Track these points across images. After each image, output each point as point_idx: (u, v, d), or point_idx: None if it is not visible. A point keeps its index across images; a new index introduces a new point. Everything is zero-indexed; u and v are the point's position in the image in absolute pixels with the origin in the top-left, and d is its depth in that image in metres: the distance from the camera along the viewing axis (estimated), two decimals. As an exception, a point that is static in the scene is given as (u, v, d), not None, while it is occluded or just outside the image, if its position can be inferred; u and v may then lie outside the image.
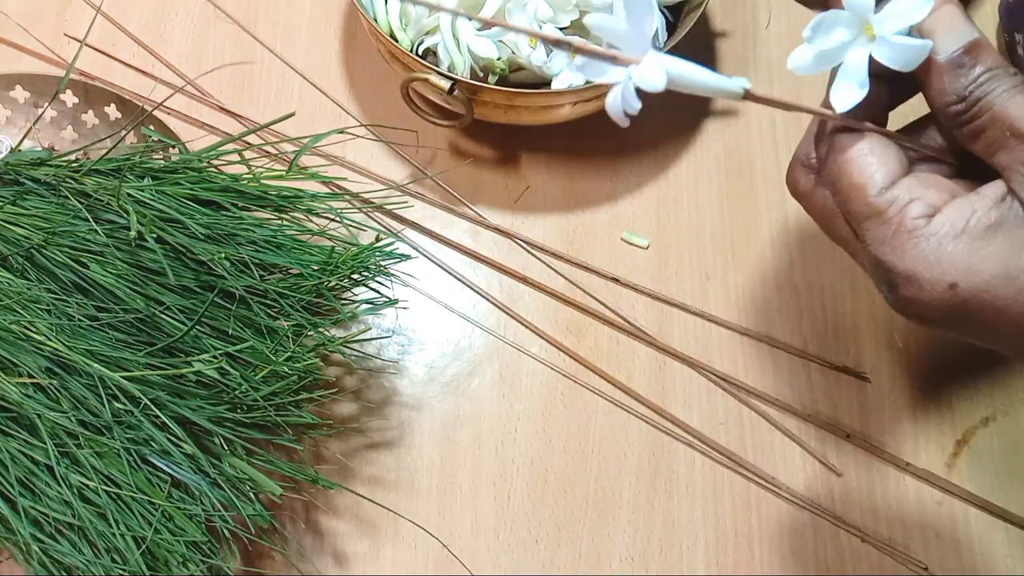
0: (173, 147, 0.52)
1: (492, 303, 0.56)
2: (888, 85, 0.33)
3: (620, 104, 0.30)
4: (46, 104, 0.55)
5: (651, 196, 0.59)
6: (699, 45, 0.65)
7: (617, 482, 0.51)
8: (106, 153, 0.47)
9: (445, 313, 0.55)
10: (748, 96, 0.31)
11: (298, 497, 0.48)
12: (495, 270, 0.57)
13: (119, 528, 0.39)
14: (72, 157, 0.48)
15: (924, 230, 0.30)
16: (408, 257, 0.50)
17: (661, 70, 0.29)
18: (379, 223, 0.57)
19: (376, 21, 0.55)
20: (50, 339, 0.41)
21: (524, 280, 0.56)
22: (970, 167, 0.33)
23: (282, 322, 0.45)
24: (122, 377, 0.40)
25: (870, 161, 0.31)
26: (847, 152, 0.32)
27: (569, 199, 0.59)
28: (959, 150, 0.33)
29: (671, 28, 0.57)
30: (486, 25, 0.54)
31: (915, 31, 0.31)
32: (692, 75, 0.30)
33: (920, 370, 0.54)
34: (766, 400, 0.53)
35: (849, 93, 0.31)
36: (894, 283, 0.31)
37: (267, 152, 0.58)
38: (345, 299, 0.49)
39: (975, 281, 0.29)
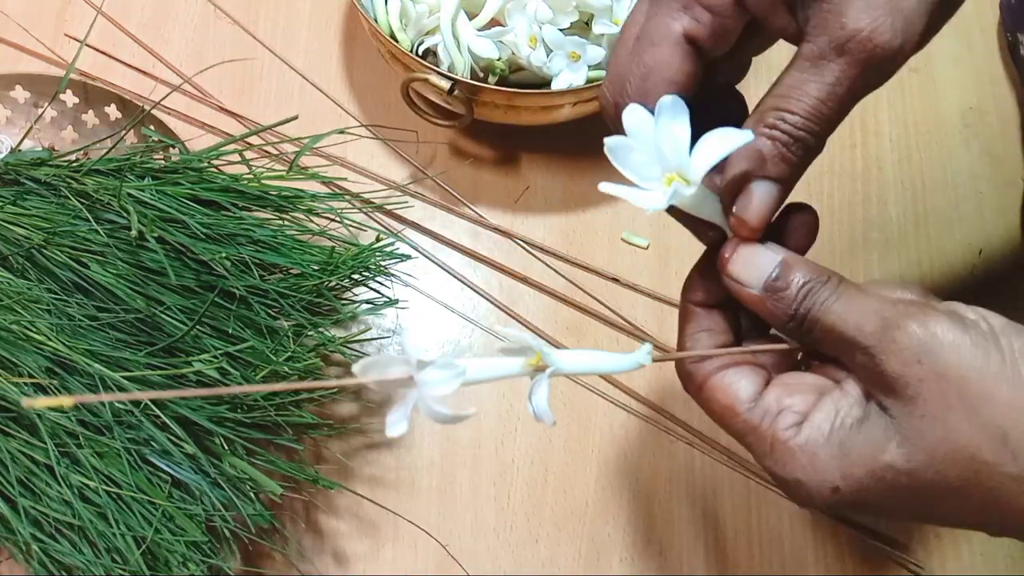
0: (173, 147, 0.52)
1: (492, 303, 0.56)
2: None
3: (546, 403, 0.30)
4: (46, 104, 0.55)
5: (651, 196, 0.59)
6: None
7: (617, 482, 0.51)
8: (106, 153, 0.47)
9: (445, 313, 0.55)
10: (656, 360, 0.32)
11: (298, 497, 0.48)
12: (495, 270, 0.57)
13: (119, 528, 0.39)
14: (72, 157, 0.48)
15: (796, 441, 0.30)
16: (408, 257, 0.50)
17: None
18: (379, 223, 0.57)
19: (376, 21, 0.55)
20: (50, 339, 0.41)
21: (524, 280, 0.56)
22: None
23: (282, 322, 0.45)
24: (122, 377, 0.40)
25: (729, 381, 0.32)
26: (709, 380, 0.33)
27: (569, 199, 0.59)
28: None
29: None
30: (487, 26, 0.55)
31: (725, 276, 0.33)
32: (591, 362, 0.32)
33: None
34: (766, 400, 0.53)
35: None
36: (787, 489, 0.31)
37: (267, 152, 0.58)
38: (345, 299, 0.49)
39: (851, 484, 0.30)
